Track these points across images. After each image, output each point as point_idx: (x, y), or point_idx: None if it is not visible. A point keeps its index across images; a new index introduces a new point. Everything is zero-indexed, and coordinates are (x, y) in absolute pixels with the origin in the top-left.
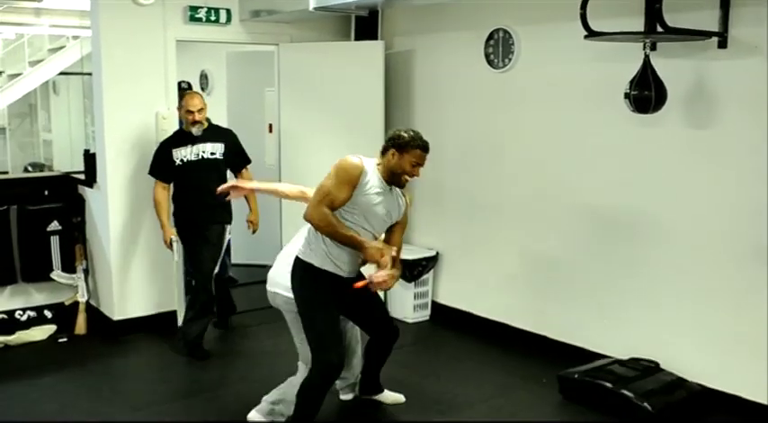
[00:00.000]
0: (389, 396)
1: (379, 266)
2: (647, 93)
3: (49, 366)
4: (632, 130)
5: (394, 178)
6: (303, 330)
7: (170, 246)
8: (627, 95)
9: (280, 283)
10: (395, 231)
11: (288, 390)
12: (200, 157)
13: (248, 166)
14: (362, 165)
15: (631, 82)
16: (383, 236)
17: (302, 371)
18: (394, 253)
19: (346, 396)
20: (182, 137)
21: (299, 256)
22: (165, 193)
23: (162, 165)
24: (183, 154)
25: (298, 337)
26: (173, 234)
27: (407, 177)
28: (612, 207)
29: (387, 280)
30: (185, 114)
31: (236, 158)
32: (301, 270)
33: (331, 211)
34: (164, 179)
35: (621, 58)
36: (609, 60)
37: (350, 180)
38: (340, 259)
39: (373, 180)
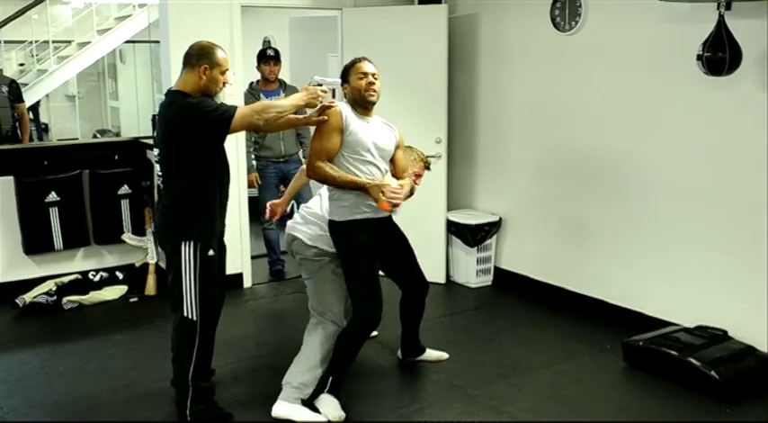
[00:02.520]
0: (433, 354)
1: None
2: (720, 54)
3: (122, 325)
4: (704, 94)
5: (362, 103)
6: (329, 283)
7: None
8: (699, 57)
9: (297, 228)
10: (396, 156)
11: (312, 353)
12: None
13: None
14: (340, 108)
15: (704, 43)
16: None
17: (316, 325)
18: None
19: None
20: None
21: (331, 219)
22: None
23: None
24: None
25: (313, 286)
26: None
27: (369, 93)
28: (682, 173)
29: (396, 191)
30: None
31: None
32: (338, 233)
33: (326, 162)
34: None
35: (694, 18)
36: (680, 22)
37: (336, 126)
38: (366, 202)
39: (353, 119)
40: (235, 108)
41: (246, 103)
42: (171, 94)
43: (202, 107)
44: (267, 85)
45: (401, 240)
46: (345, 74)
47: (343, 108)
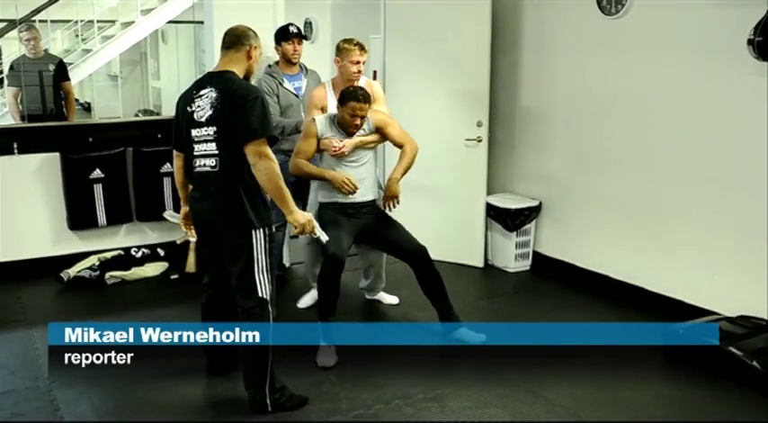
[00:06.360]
0: (467, 334)
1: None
2: None
3: (163, 300)
4: (755, 80)
5: (345, 128)
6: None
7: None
8: (750, 42)
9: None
10: (387, 133)
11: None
12: None
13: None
14: (316, 121)
15: (756, 27)
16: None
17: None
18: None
19: (368, 295)
20: None
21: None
22: None
23: None
24: None
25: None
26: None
27: (352, 127)
28: (730, 160)
29: (335, 146)
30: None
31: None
32: (318, 213)
33: (303, 160)
34: None
35: (744, 1)
36: (731, 5)
37: (313, 133)
38: (333, 189)
39: (327, 129)
40: (272, 128)
41: (268, 87)
42: (223, 73)
43: (264, 105)
44: (289, 67)
45: (383, 219)
46: (341, 100)
47: (318, 121)
